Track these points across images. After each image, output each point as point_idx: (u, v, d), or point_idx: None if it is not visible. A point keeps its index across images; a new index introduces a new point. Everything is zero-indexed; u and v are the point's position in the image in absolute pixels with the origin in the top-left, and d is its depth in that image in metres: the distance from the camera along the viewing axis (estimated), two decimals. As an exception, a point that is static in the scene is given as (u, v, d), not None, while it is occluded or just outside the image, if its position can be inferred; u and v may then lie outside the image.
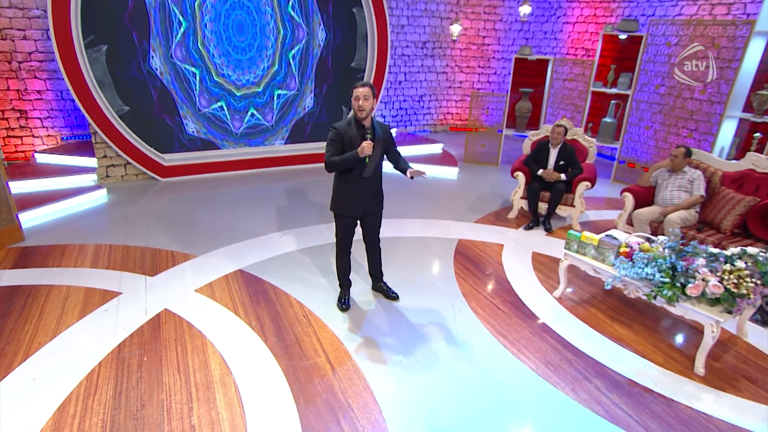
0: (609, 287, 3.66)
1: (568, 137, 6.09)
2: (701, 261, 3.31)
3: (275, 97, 7.48)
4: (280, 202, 6.27)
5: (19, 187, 6.02)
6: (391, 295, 4.11)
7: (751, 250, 3.37)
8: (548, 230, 5.61)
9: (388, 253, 4.88)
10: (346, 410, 2.91)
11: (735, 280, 3.17)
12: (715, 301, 3.24)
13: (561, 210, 5.69)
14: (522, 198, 5.91)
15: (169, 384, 3.09)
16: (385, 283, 4.19)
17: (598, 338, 3.68)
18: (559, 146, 5.62)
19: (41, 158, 6.87)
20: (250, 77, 7.23)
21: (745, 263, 3.27)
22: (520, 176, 5.84)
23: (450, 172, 7.83)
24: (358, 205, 3.61)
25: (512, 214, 5.99)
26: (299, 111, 7.73)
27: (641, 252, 3.63)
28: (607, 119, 7.74)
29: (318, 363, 3.31)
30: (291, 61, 7.42)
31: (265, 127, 7.58)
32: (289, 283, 4.29)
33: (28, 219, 5.42)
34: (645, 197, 5.13)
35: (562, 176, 5.56)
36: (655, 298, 3.40)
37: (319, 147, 7.90)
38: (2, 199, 4.79)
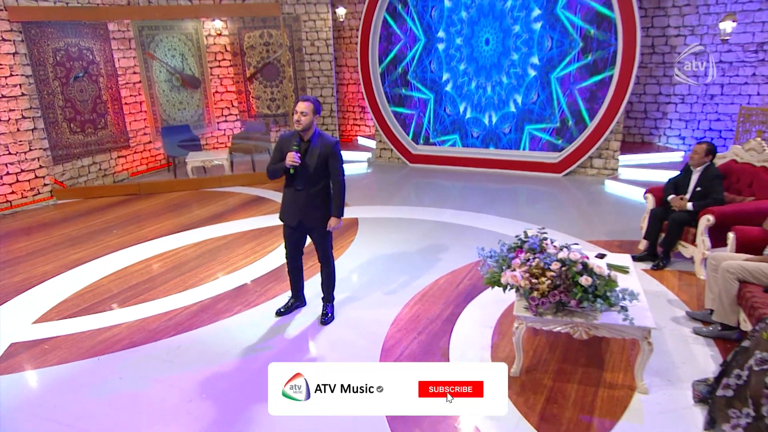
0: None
1: (728, 158, 5.66)
2: (523, 256, 3.63)
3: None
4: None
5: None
6: (322, 319, 4.52)
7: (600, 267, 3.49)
8: (656, 267, 5.46)
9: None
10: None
11: (532, 276, 3.46)
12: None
13: (685, 248, 5.40)
14: (649, 226, 5.82)
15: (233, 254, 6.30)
16: (325, 307, 4.56)
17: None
18: (700, 169, 5.36)
19: (361, 141, 11.67)
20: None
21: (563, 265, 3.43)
22: (649, 199, 5.81)
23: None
24: (292, 215, 4.24)
25: (643, 245, 5.88)
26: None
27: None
28: None
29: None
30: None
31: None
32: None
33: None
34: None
35: (689, 206, 5.31)
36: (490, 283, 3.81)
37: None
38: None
